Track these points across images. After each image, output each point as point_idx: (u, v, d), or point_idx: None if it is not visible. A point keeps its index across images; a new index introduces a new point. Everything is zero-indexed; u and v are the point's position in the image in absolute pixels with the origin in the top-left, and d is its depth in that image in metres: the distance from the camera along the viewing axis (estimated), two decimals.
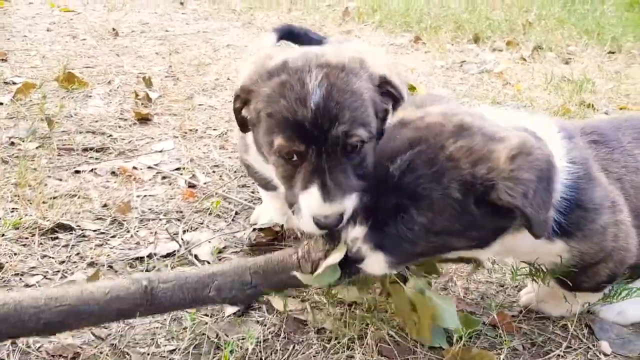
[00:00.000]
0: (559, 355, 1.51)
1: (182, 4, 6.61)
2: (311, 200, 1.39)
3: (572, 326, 1.60)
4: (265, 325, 1.57)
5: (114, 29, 4.99)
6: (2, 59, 3.92)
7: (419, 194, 1.28)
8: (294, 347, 1.50)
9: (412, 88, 3.67)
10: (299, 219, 1.45)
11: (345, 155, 1.42)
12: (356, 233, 1.38)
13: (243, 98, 1.53)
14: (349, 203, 1.40)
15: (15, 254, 1.81)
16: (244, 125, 1.61)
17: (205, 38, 5.01)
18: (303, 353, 1.47)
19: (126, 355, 1.45)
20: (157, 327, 1.55)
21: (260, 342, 1.49)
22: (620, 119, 1.70)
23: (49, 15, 5.66)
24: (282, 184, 1.52)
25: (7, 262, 1.76)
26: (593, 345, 1.56)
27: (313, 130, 1.38)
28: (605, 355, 1.53)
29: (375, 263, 1.37)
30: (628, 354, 1.53)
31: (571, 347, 1.55)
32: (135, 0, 6.59)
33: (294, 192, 1.45)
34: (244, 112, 1.57)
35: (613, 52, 5.12)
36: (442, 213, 1.28)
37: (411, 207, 1.30)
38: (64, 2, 6.37)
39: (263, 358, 1.45)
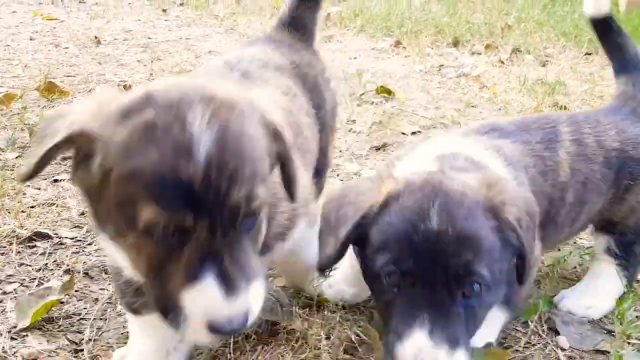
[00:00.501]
0: (517, 350, 1.58)
1: (164, 11, 6.66)
2: (206, 298, 0.97)
3: (532, 323, 1.67)
4: None
5: (96, 37, 5.03)
6: None
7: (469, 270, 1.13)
8: (262, 347, 1.55)
9: (389, 92, 3.76)
10: (183, 330, 1.00)
11: (244, 227, 1.03)
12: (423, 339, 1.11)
13: (80, 150, 1.02)
14: (257, 295, 1.04)
15: None
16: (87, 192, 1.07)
17: (188, 45, 5.06)
18: (271, 353, 1.53)
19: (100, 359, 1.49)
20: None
21: (229, 344, 1.54)
22: (529, 119, 1.74)
23: (32, 24, 5.70)
24: (146, 279, 1.05)
25: None
26: (552, 341, 1.62)
27: (204, 194, 0.95)
28: (563, 350, 1.59)
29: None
30: (584, 349, 1.60)
31: (530, 343, 1.61)
32: (118, 7, 6.64)
33: (168, 289, 1.00)
34: (79, 172, 1.04)
35: (590, 54, 5.21)
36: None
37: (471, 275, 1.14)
38: (47, 10, 6.42)
39: (232, 358, 1.50)
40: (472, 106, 3.65)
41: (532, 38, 5.58)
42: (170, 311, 1.00)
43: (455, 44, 5.45)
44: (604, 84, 4.28)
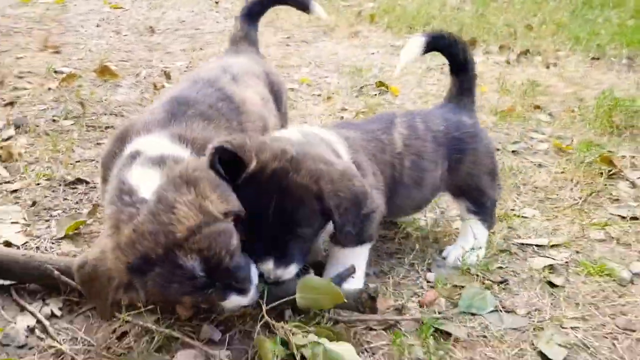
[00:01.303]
0: (394, 278, 2.19)
1: (217, 3, 7.42)
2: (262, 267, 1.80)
3: (418, 266, 2.28)
4: None
5: (151, 27, 5.84)
6: (56, 51, 4.82)
7: (295, 219, 1.74)
8: None
9: (386, 86, 4.33)
10: None
11: None
12: (267, 267, 1.76)
13: None
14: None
15: (46, 196, 2.62)
16: None
17: (225, 36, 5.78)
18: None
19: None
20: None
21: None
22: (375, 117, 2.42)
23: (100, 11, 6.58)
24: None
25: (39, 201, 2.57)
26: (424, 277, 2.23)
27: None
28: (428, 282, 2.19)
29: (288, 273, 1.80)
30: (445, 282, 2.19)
31: (407, 277, 2.23)
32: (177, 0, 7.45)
33: None
34: None
35: (597, 59, 5.56)
36: (313, 220, 1.79)
37: (297, 228, 1.76)
38: (122, 1, 7.30)
39: None
40: None
41: (546, 41, 5.95)
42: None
43: (472, 43, 5.90)
44: (595, 87, 4.68)
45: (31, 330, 1.83)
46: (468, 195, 2.35)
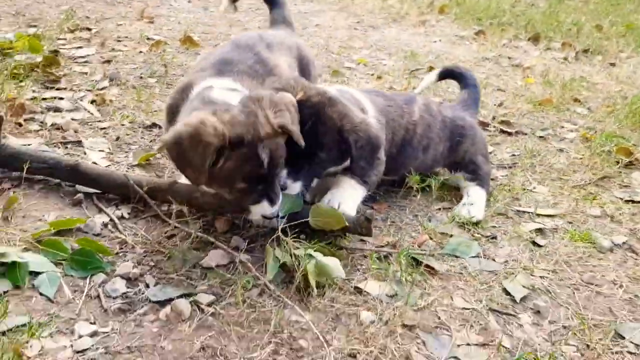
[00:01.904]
0: (398, 224, 2.60)
1: None
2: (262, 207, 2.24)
3: (419, 217, 2.68)
4: None
5: (235, 7, 6.41)
6: (150, 22, 5.50)
7: (320, 142, 2.29)
8: None
9: None
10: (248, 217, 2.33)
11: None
12: (283, 175, 2.28)
13: None
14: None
15: (127, 134, 3.22)
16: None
17: (301, 17, 6.27)
18: None
19: None
20: None
21: None
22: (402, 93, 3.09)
23: None
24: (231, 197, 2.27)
25: (122, 137, 3.17)
26: (421, 225, 2.62)
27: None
28: (425, 228, 2.59)
29: (294, 188, 2.30)
30: (437, 229, 2.58)
31: (409, 224, 2.63)
32: None
33: (243, 204, 2.28)
34: None
35: None
36: (331, 149, 2.33)
37: (318, 151, 2.30)
38: None
39: None
40: (501, 90, 4.47)
41: (611, 42, 6.03)
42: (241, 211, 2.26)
43: (536, 39, 6.08)
44: None
45: (105, 225, 2.40)
46: (465, 168, 2.84)
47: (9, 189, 2.52)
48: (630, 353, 2.00)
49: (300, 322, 1.96)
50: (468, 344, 1.96)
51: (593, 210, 2.88)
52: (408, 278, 2.21)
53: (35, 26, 4.69)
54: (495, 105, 4.16)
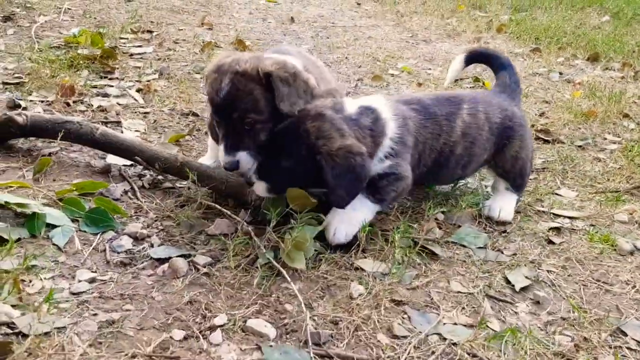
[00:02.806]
0: (411, 214, 2.60)
1: (358, 4, 8.08)
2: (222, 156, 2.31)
3: (432, 208, 2.66)
4: None
5: (292, 18, 6.63)
6: (209, 28, 5.77)
7: (287, 151, 2.21)
8: None
9: (482, 82, 4.63)
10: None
11: (243, 130, 2.26)
12: (251, 168, 2.27)
13: None
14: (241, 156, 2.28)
15: (164, 119, 3.39)
16: None
17: (355, 30, 6.39)
18: None
19: None
20: None
21: None
22: (445, 96, 2.61)
23: (257, 3, 7.54)
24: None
25: (159, 121, 3.34)
26: (435, 216, 2.60)
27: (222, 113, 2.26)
28: (436, 220, 2.56)
29: (259, 187, 2.27)
30: (452, 223, 2.55)
31: (421, 213, 2.62)
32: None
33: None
34: None
35: None
36: (299, 164, 2.20)
37: (283, 158, 2.21)
38: None
39: None
40: (546, 102, 4.36)
41: None
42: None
43: (595, 59, 5.89)
44: None
45: (125, 192, 2.54)
46: (513, 182, 2.67)
47: (49, 154, 2.71)
48: (631, 349, 1.90)
49: (290, 289, 2.00)
50: (455, 323, 1.93)
51: (620, 215, 2.75)
52: (404, 257, 2.20)
53: (102, 27, 5.04)
54: (536, 114, 4.07)
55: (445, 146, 2.47)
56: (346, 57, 5.14)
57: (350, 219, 2.26)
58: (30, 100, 3.34)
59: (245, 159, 2.31)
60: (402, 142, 2.33)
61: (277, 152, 2.24)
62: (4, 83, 3.57)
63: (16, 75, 3.70)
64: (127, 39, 4.95)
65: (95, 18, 5.52)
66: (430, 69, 5.07)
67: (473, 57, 2.91)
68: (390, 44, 5.88)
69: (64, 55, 4.05)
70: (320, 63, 2.88)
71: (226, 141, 2.30)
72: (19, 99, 3.26)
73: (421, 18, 7.33)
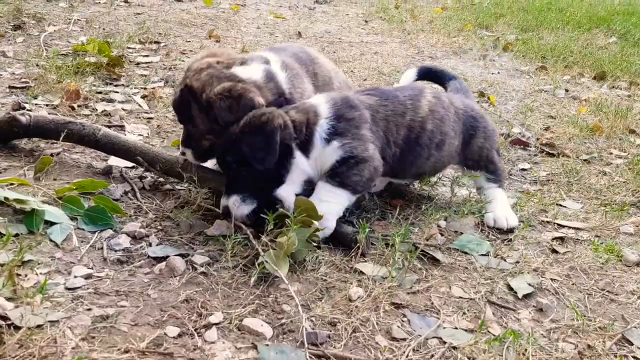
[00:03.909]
0: (413, 220, 2.57)
1: (366, 21, 8.14)
2: None
3: (433, 214, 2.63)
4: None
5: (299, 33, 6.68)
6: (216, 40, 5.81)
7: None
8: None
9: (488, 97, 4.62)
10: None
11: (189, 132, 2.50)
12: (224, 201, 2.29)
13: None
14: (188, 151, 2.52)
15: (167, 124, 3.39)
16: None
17: (362, 46, 6.42)
18: None
19: None
20: None
21: None
22: (409, 86, 2.89)
23: (265, 19, 7.60)
24: None
25: (162, 126, 3.34)
26: (437, 223, 2.57)
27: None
28: (439, 226, 2.53)
29: (188, 155, 2.47)
30: (453, 229, 2.52)
31: (422, 220, 2.59)
32: (336, 16, 8.31)
33: None
34: None
35: None
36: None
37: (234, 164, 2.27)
38: (282, 11, 8.35)
39: None
40: (552, 117, 4.34)
41: None
42: None
43: (602, 77, 5.87)
44: None
45: (125, 192, 2.53)
46: (485, 169, 2.71)
47: (51, 155, 2.71)
48: (636, 358, 1.85)
49: (288, 290, 1.96)
50: (455, 328, 1.89)
51: (626, 227, 2.71)
52: (405, 262, 2.17)
53: (110, 37, 5.08)
54: (541, 128, 4.05)
55: (413, 122, 2.51)
56: (352, 71, 5.15)
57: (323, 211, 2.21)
58: (35, 104, 3.35)
59: (190, 155, 2.52)
60: (347, 119, 2.35)
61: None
62: (11, 87, 3.59)
63: (23, 80, 3.72)
64: (135, 48, 4.99)
65: (103, 29, 5.57)
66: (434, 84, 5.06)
67: (425, 73, 3.24)
68: (396, 59, 5.90)
69: (71, 62, 4.08)
70: (323, 60, 2.91)
71: (182, 136, 2.53)
72: (24, 102, 3.28)
73: (428, 36, 7.36)
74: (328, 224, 2.25)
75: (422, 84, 3.00)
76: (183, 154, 2.54)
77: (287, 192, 2.30)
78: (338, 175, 2.29)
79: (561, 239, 2.55)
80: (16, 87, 3.59)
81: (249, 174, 2.27)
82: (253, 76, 2.40)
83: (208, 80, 2.35)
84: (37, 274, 1.90)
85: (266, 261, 2.00)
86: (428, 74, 3.25)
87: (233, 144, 2.27)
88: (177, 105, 2.47)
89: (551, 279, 2.24)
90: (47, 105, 3.35)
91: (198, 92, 2.35)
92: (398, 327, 1.86)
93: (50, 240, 2.10)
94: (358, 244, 2.20)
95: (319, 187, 2.32)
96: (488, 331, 1.89)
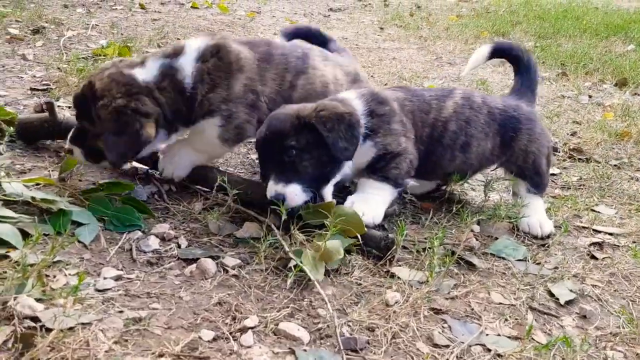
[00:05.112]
0: (445, 224, 2.50)
1: (382, 29, 8.10)
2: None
3: (468, 219, 2.56)
4: None
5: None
6: None
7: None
8: None
9: None
10: None
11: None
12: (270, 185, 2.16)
13: None
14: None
15: None
16: None
17: (380, 52, 6.38)
18: None
19: None
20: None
21: None
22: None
23: (281, 25, 7.57)
24: None
25: None
26: (470, 228, 2.50)
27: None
28: (472, 231, 2.46)
29: (76, 152, 2.35)
30: (486, 233, 2.45)
31: (455, 225, 2.51)
32: (352, 23, 8.29)
33: None
34: None
35: None
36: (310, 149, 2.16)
37: (296, 151, 2.14)
38: (298, 18, 8.33)
39: None
40: (577, 122, 4.27)
41: None
42: None
43: (623, 84, 5.79)
44: None
45: (152, 194, 2.48)
46: (530, 180, 2.58)
47: None
48: None
49: (323, 294, 1.90)
50: (498, 334, 1.81)
51: None
52: (442, 266, 2.10)
53: (129, 41, 5.06)
54: (568, 134, 3.98)
55: (436, 121, 2.47)
56: (372, 76, 5.10)
57: (369, 201, 2.29)
58: (58, 106, 3.32)
59: (78, 153, 2.43)
60: (378, 115, 2.34)
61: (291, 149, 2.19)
62: (32, 89, 3.56)
63: (44, 82, 3.70)
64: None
65: (122, 34, 5.56)
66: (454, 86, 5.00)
67: (499, 51, 2.85)
68: (415, 64, 5.85)
69: (91, 65, 4.05)
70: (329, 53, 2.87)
71: (73, 132, 2.43)
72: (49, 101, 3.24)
73: (444, 42, 7.30)
74: (377, 211, 2.27)
75: (452, 88, 2.86)
76: (70, 151, 2.41)
77: (328, 191, 2.27)
78: (378, 170, 2.33)
79: (599, 244, 2.47)
80: (37, 89, 3.57)
81: (310, 164, 2.18)
82: (147, 78, 2.33)
83: (108, 85, 2.27)
84: (66, 275, 1.84)
85: (303, 265, 1.93)
86: (504, 53, 2.87)
87: (302, 129, 2.18)
88: (78, 102, 2.35)
89: (592, 285, 2.16)
90: (69, 107, 3.32)
91: (97, 93, 2.26)
92: (439, 333, 1.79)
93: (79, 241, 2.04)
94: (389, 248, 2.13)
95: (362, 184, 2.35)
96: (532, 338, 1.81)
